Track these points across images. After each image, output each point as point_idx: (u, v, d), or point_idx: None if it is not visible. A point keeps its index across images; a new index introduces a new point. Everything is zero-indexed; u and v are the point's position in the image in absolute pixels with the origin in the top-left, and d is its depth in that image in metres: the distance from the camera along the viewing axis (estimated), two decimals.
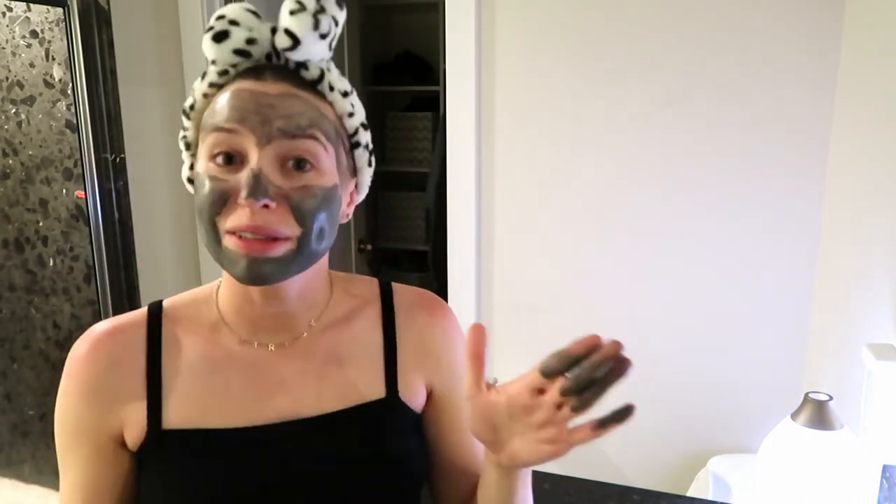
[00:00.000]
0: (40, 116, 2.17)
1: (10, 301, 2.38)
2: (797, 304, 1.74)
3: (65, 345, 2.33)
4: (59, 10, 1.97)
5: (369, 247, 2.92)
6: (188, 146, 0.75)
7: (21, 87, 2.17)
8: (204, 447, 0.73)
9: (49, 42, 2.10)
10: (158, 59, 2.16)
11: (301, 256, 0.69)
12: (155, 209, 2.21)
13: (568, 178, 1.86)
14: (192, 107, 0.72)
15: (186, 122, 0.74)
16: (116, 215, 2.09)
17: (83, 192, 2.08)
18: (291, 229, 0.67)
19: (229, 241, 0.67)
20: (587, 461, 1.99)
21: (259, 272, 0.67)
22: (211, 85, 0.70)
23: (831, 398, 1.03)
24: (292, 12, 0.68)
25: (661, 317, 1.85)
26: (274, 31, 0.71)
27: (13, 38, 2.15)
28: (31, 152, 2.21)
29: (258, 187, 0.64)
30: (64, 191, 2.20)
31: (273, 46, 0.70)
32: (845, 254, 1.51)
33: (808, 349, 1.74)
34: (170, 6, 2.15)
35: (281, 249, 0.67)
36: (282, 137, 0.66)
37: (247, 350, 0.76)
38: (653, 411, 1.90)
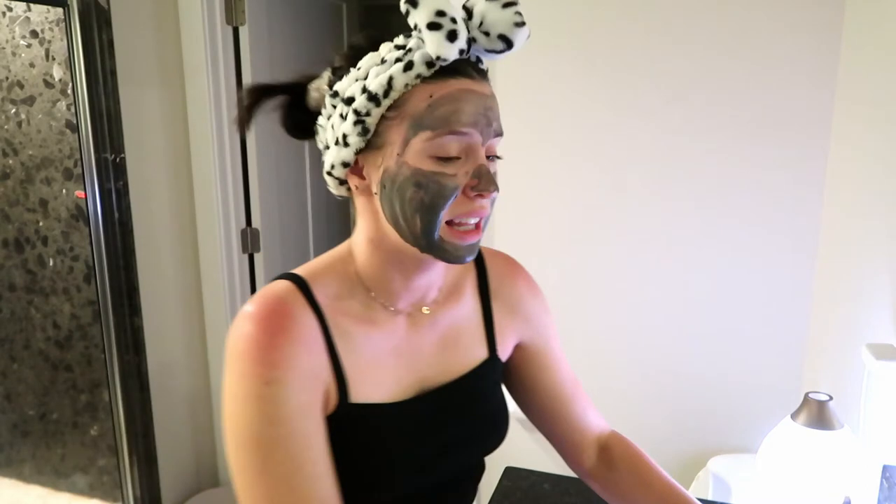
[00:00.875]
0: (40, 116, 2.16)
1: (10, 301, 2.38)
2: (797, 305, 1.74)
3: (65, 345, 2.32)
4: (59, 10, 1.97)
5: None
6: (365, 131, 0.73)
7: (21, 87, 2.16)
8: (383, 420, 0.79)
9: (49, 42, 2.10)
10: (158, 59, 2.16)
11: (482, 232, 0.77)
12: (155, 209, 2.21)
13: (567, 179, 1.86)
14: (385, 94, 0.71)
15: (368, 106, 0.72)
16: (116, 215, 2.09)
17: (83, 192, 2.08)
18: (490, 207, 0.75)
19: (446, 232, 0.73)
20: None
21: (467, 254, 0.75)
22: (418, 76, 0.71)
23: (831, 398, 1.03)
24: (517, 24, 0.70)
25: (661, 317, 1.85)
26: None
27: (13, 38, 2.14)
28: (31, 152, 2.21)
29: (492, 181, 0.72)
30: (64, 191, 2.20)
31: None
32: (845, 254, 1.51)
33: (808, 349, 1.74)
34: (170, 6, 2.15)
35: (482, 231, 0.76)
36: (492, 137, 0.74)
37: (389, 320, 0.81)
38: (653, 411, 1.90)
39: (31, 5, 2.07)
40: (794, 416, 1.05)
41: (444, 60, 0.69)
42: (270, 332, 0.71)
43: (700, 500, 1.30)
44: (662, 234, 1.81)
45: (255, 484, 0.70)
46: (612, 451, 0.97)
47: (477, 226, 0.74)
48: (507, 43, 0.71)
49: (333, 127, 0.76)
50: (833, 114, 1.63)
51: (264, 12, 2.32)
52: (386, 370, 0.80)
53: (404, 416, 0.81)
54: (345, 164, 0.76)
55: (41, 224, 2.26)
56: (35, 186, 2.22)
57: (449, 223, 0.73)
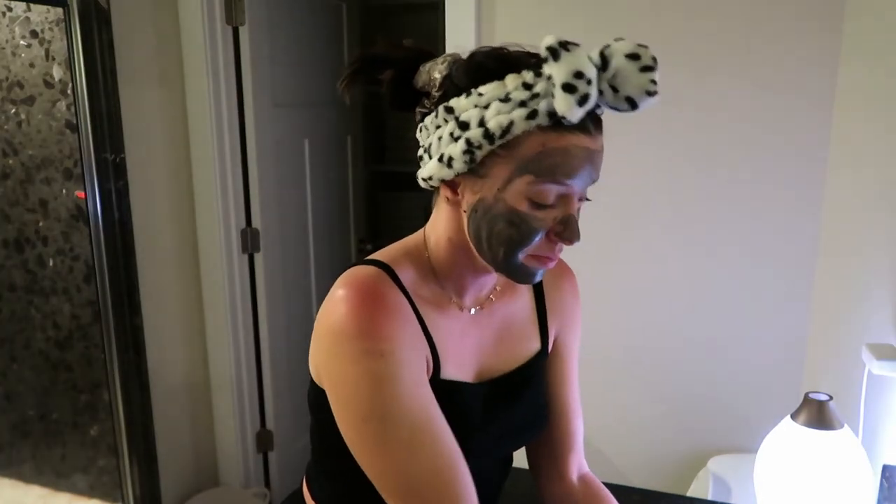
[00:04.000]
0: (40, 116, 2.16)
1: (10, 301, 2.38)
2: (797, 305, 1.74)
3: (65, 345, 2.32)
4: (59, 10, 1.97)
5: (369, 246, 2.93)
6: (472, 161, 0.75)
7: (21, 87, 2.16)
8: (463, 398, 0.84)
9: (49, 42, 2.10)
10: (158, 59, 2.16)
11: None
12: (155, 209, 2.21)
13: None
14: (502, 135, 0.72)
15: (482, 141, 0.73)
16: (116, 215, 2.08)
17: (83, 192, 2.08)
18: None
19: (528, 261, 0.77)
20: (587, 461, 1.99)
21: (537, 277, 0.80)
22: (539, 126, 0.72)
23: (831, 398, 1.03)
24: (649, 93, 0.71)
25: (661, 317, 1.85)
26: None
27: (13, 38, 2.14)
28: (31, 152, 2.21)
29: (575, 232, 0.75)
30: (64, 191, 2.20)
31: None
32: (845, 254, 1.51)
33: (808, 349, 1.74)
34: (170, 6, 2.15)
35: (556, 260, 0.79)
36: (589, 185, 0.77)
37: (456, 312, 0.86)
38: (653, 411, 1.90)
39: (31, 5, 2.07)
40: (794, 416, 1.05)
41: (569, 121, 0.70)
42: (370, 309, 0.74)
43: (700, 500, 1.30)
44: (662, 234, 1.81)
45: (385, 455, 0.75)
46: (592, 485, 1.00)
47: (554, 257, 0.78)
48: (633, 105, 0.72)
49: (441, 140, 0.77)
50: (833, 114, 1.63)
51: (264, 12, 2.32)
52: (462, 352, 0.85)
53: (477, 396, 0.86)
54: (443, 180, 0.79)
55: (41, 224, 2.26)
56: (35, 186, 2.22)
57: (531, 255, 0.77)
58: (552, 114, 0.70)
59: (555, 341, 0.98)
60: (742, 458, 1.68)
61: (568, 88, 0.68)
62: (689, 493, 1.64)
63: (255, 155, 2.35)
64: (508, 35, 1.84)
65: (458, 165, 0.75)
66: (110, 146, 2.04)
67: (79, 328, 2.28)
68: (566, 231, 0.75)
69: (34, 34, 2.11)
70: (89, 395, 2.33)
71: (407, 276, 0.82)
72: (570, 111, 0.69)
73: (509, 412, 0.89)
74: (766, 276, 1.75)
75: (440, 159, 0.77)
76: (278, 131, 2.47)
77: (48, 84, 2.12)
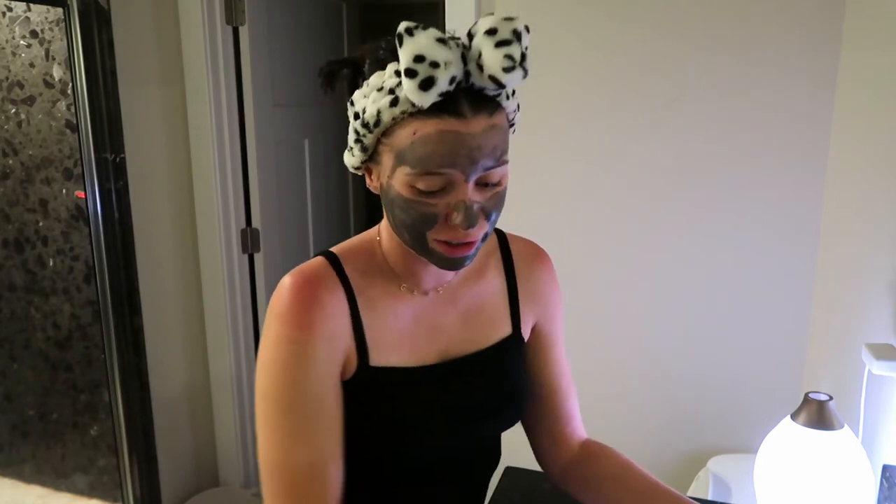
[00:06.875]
0: (40, 116, 2.16)
1: (10, 301, 2.38)
2: (797, 304, 1.74)
3: (65, 345, 2.32)
4: (59, 10, 1.97)
5: None
6: (364, 150, 0.77)
7: (21, 87, 2.16)
8: (401, 384, 0.84)
9: (49, 42, 2.10)
10: (158, 59, 2.16)
11: (483, 242, 0.80)
12: (155, 209, 2.21)
13: (568, 179, 1.86)
14: (375, 124, 0.73)
15: (363, 130, 0.75)
16: (116, 215, 2.09)
17: (83, 192, 2.08)
18: (484, 229, 0.77)
19: (437, 246, 0.76)
20: None
21: (459, 265, 0.79)
22: (403, 112, 0.71)
23: (831, 398, 1.03)
24: (505, 69, 0.69)
25: (661, 317, 1.85)
26: (462, 55, 0.71)
27: (13, 38, 2.14)
28: (31, 152, 2.21)
29: (472, 217, 0.73)
30: (64, 191, 2.20)
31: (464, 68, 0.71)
32: (845, 254, 1.51)
33: (808, 349, 1.74)
34: (170, 6, 2.15)
35: (476, 246, 0.78)
36: (480, 172, 0.73)
37: (410, 296, 0.86)
38: (653, 411, 1.90)
39: (31, 5, 2.07)
40: (794, 416, 1.05)
41: (421, 106, 0.69)
42: (297, 298, 0.79)
43: (700, 500, 1.30)
44: (662, 234, 1.81)
45: (270, 435, 0.79)
46: (593, 447, 1.00)
47: (470, 243, 0.76)
48: (498, 84, 0.70)
49: (349, 129, 0.79)
50: (833, 114, 1.63)
51: (264, 12, 2.32)
52: (407, 337, 0.85)
53: (424, 379, 0.86)
54: (358, 167, 0.81)
55: (41, 224, 2.26)
56: (35, 186, 2.22)
57: (438, 240, 0.76)
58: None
59: (535, 327, 0.97)
60: (742, 458, 1.67)
61: (408, 73, 0.68)
62: (689, 493, 1.64)
63: (255, 155, 2.35)
64: None
65: (357, 154, 0.78)
66: (110, 146, 2.04)
67: (79, 328, 2.29)
68: (458, 217, 0.73)
69: (34, 34, 2.11)
70: (89, 395, 2.33)
71: (354, 266, 0.84)
72: (414, 95, 0.68)
73: (473, 393, 0.89)
74: (766, 277, 1.75)
75: (349, 147, 0.80)
76: (278, 131, 2.47)
77: (48, 84, 2.12)
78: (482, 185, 0.74)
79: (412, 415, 0.84)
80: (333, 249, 0.86)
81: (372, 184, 0.81)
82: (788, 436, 1.05)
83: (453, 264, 0.78)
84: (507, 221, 1.90)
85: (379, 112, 0.72)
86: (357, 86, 0.79)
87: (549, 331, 0.99)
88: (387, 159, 0.75)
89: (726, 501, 1.54)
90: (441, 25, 1.92)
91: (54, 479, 2.48)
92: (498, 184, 0.76)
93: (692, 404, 1.86)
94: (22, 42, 2.13)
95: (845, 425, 1.03)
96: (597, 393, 1.94)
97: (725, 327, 1.80)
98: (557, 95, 1.82)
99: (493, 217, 0.77)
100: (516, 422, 0.95)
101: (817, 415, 1.02)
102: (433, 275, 0.87)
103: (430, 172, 0.71)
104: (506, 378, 0.92)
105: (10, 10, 2.12)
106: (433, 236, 0.76)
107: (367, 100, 0.74)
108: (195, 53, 2.15)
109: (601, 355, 1.91)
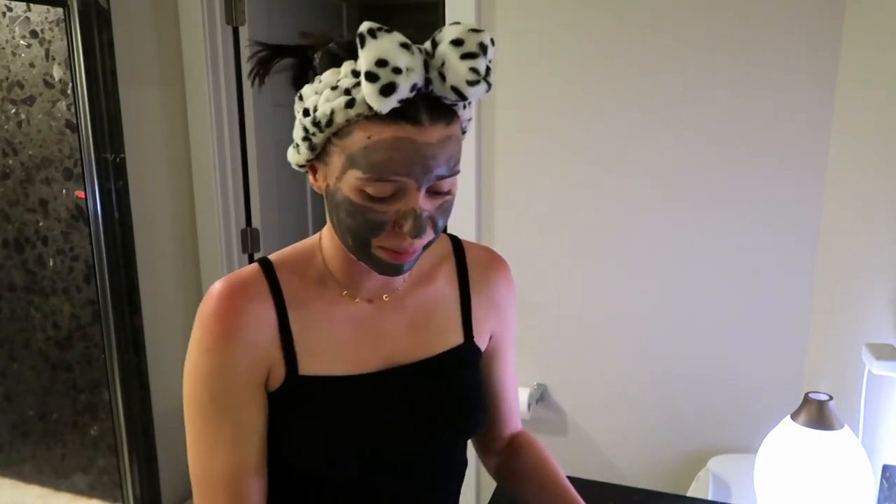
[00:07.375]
0: (40, 116, 2.16)
1: (10, 301, 2.38)
2: (797, 304, 1.74)
3: (65, 345, 2.32)
4: (59, 10, 1.97)
5: None
6: (312, 148, 0.75)
7: (21, 87, 2.16)
8: (333, 392, 0.81)
9: (49, 42, 2.10)
10: (158, 59, 2.16)
11: (428, 248, 0.78)
12: (155, 209, 2.21)
13: (568, 179, 1.86)
14: (328, 124, 0.71)
15: (313, 128, 0.73)
16: (116, 215, 2.09)
17: (83, 192, 2.08)
18: (430, 238, 0.76)
19: (380, 252, 0.75)
20: (587, 461, 1.99)
21: (399, 271, 0.77)
22: (359, 115, 0.69)
23: (831, 398, 1.03)
24: (470, 83, 0.68)
25: (662, 317, 1.85)
26: (425, 62, 0.69)
27: (13, 38, 2.14)
28: (31, 152, 2.21)
29: (421, 226, 0.71)
30: (64, 191, 2.20)
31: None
32: (845, 254, 1.51)
33: (808, 349, 1.74)
34: (170, 6, 2.15)
35: (417, 254, 0.77)
36: (433, 181, 0.72)
37: (351, 303, 0.84)
38: (653, 411, 1.90)
39: (31, 5, 2.07)
40: (794, 416, 1.05)
41: (379, 111, 0.67)
42: (219, 307, 0.77)
43: (700, 500, 1.30)
44: (663, 234, 1.81)
45: (192, 443, 0.79)
46: (520, 439, 1.01)
47: (408, 251, 0.75)
48: (460, 96, 0.68)
49: (295, 125, 0.77)
50: (833, 114, 1.63)
51: (264, 12, 2.32)
52: (346, 345, 0.83)
53: (363, 388, 0.83)
54: (303, 165, 0.79)
55: (41, 224, 2.26)
56: (35, 186, 2.22)
57: (382, 247, 0.74)
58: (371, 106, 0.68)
59: (494, 334, 0.96)
60: (742, 458, 1.68)
61: (369, 77, 0.65)
62: (689, 493, 1.64)
63: (255, 155, 2.36)
64: (508, 34, 1.84)
65: (303, 151, 0.76)
66: (110, 146, 2.05)
67: (79, 328, 2.29)
68: (407, 225, 0.71)
69: (34, 34, 2.11)
70: (89, 395, 2.33)
71: (290, 272, 0.82)
72: (374, 100, 0.66)
73: (419, 399, 0.85)
74: (766, 277, 1.75)
75: (294, 144, 0.78)
76: (278, 131, 2.47)
77: (48, 84, 2.12)
78: (433, 193, 0.73)
79: (344, 422, 0.81)
80: (270, 256, 0.84)
81: (316, 184, 0.78)
82: (788, 436, 1.05)
83: (394, 270, 0.76)
84: (508, 221, 1.91)
85: (332, 112, 0.70)
86: (305, 78, 0.77)
87: (504, 338, 0.97)
88: (336, 160, 0.72)
89: (726, 501, 1.54)
90: (441, 25, 1.91)
91: (54, 479, 2.48)
92: (448, 192, 0.74)
93: (692, 404, 1.86)
94: (22, 42, 2.13)
95: (845, 425, 1.03)
96: (597, 393, 1.94)
97: (725, 327, 1.80)
98: (557, 95, 1.82)
99: (439, 225, 0.76)
100: (475, 432, 0.92)
101: (817, 415, 1.02)
102: (378, 281, 0.84)
103: (382, 179, 0.69)
104: (456, 386, 0.89)
105: (10, 10, 2.12)
106: (378, 243, 0.74)
107: (320, 97, 0.72)
108: (195, 53, 2.15)
109: (601, 355, 1.91)
